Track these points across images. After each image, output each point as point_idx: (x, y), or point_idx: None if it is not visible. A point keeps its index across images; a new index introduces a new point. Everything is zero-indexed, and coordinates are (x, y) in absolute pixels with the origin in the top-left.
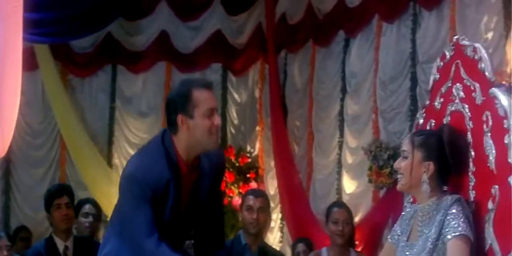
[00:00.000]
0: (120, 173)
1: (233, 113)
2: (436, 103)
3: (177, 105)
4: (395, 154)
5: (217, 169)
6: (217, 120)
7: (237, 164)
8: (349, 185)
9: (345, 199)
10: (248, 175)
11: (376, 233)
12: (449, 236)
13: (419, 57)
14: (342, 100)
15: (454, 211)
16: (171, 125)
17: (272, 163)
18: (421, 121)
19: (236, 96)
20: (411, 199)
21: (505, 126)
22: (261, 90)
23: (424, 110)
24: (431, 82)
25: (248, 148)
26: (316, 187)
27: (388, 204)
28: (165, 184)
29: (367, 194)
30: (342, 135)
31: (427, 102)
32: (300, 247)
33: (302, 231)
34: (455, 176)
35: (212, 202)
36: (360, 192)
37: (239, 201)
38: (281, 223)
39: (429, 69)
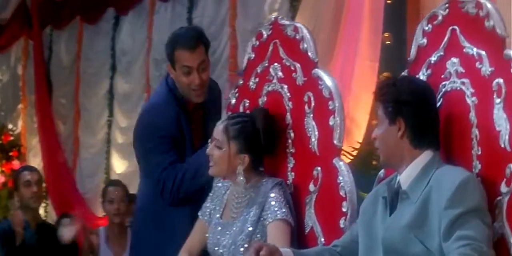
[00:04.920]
0: None
1: None
2: (250, 83)
3: (167, 53)
4: None
5: (216, 99)
6: (195, 78)
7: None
8: (118, 165)
9: (114, 178)
10: (10, 153)
11: None
12: (270, 220)
13: None
14: (112, 78)
15: (274, 195)
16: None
17: (34, 141)
18: (233, 101)
19: None
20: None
21: (330, 107)
22: (24, 67)
23: (236, 90)
24: (245, 61)
25: (11, 126)
26: (83, 166)
27: None
28: (176, 119)
29: (137, 174)
30: (111, 114)
31: (241, 82)
32: (66, 221)
33: (67, 209)
34: (271, 157)
35: None
36: (131, 172)
37: (2, 179)
38: (44, 202)
39: None
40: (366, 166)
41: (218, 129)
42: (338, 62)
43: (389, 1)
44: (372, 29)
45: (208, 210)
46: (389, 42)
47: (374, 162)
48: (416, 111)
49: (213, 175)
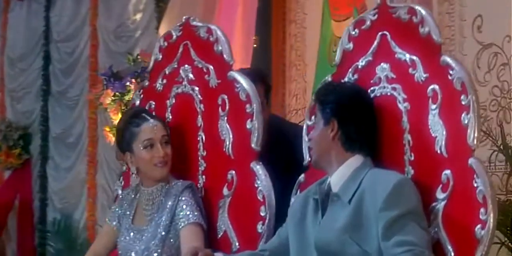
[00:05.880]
0: None
1: None
2: (157, 85)
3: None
4: (25, 134)
5: None
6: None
7: None
8: None
9: None
10: None
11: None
12: (182, 224)
13: (54, 36)
14: None
15: (185, 198)
16: None
17: None
18: (137, 102)
19: None
20: (122, 183)
21: (248, 110)
22: None
23: (141, 91)
24: (151, 62)
25: None
26: None
27: (15, 186)
28: None
29: None
30: None
31: (146, 83)
32: None
33: None
34: (180, 159)
35: None
36: None
37: None
38: None
39: (64, 48)
40: None
41: (158, 127)
42: None
43: None
44: (245, 31)
45: (116, 215)
46: (255, 45)
47: None
48: (351, 116)
49: (165, 176)
